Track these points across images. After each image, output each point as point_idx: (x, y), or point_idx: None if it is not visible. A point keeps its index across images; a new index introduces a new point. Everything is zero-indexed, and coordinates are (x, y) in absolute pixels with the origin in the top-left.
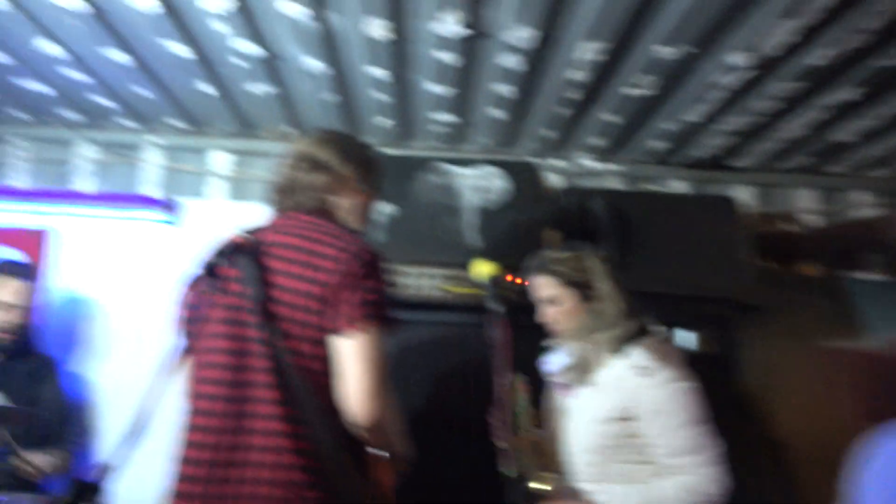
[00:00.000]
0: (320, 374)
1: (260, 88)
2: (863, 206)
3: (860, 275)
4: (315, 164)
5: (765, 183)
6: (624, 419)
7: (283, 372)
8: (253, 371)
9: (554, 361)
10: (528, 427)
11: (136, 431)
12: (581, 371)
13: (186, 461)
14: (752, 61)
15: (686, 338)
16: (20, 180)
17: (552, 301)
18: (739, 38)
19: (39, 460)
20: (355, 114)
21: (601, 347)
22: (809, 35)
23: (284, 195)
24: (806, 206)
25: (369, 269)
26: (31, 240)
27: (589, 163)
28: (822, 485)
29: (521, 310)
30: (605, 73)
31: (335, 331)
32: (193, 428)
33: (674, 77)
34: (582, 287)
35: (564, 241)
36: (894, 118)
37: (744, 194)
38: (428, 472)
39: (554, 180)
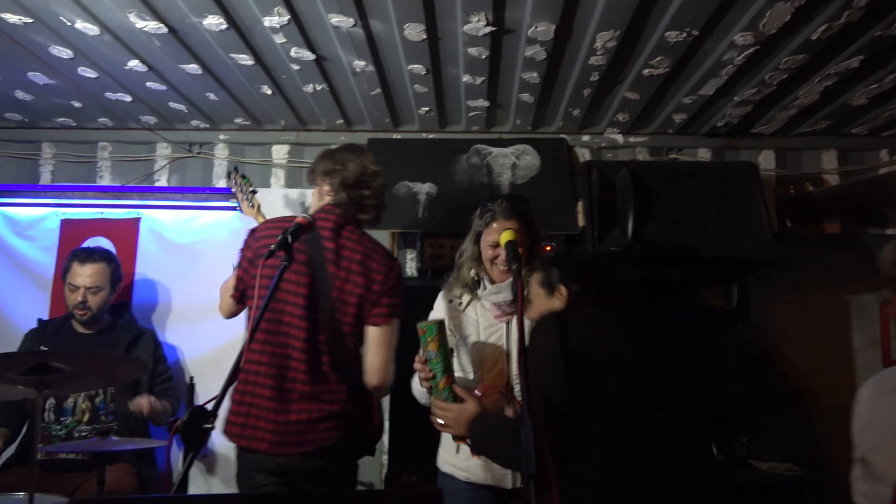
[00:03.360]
0: (355, 346)
1: (312, 87)
2: (880, 164)
3: (876, 230)
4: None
5: (786, 147)
6: None
7: (334, 336)
8: (316, 332)
9: (500, 294)
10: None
11: (230, 378)
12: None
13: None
14: (754, 39)
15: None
16: (109, 178)
17: (521, 244)
18: (740, 21)
19: (150, 402)
20: (398, 104)
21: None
22: (802, 13)
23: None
24: (826, 167)
25: (398, 280)
26: (120, 229)
27: (615, 136)
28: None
29: None
30: (621, 57)
31: (371, 323)
32: (265, 374)
33: (685, 57)
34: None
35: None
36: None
37: (767, 159)
38: None
39: (584, 154)
